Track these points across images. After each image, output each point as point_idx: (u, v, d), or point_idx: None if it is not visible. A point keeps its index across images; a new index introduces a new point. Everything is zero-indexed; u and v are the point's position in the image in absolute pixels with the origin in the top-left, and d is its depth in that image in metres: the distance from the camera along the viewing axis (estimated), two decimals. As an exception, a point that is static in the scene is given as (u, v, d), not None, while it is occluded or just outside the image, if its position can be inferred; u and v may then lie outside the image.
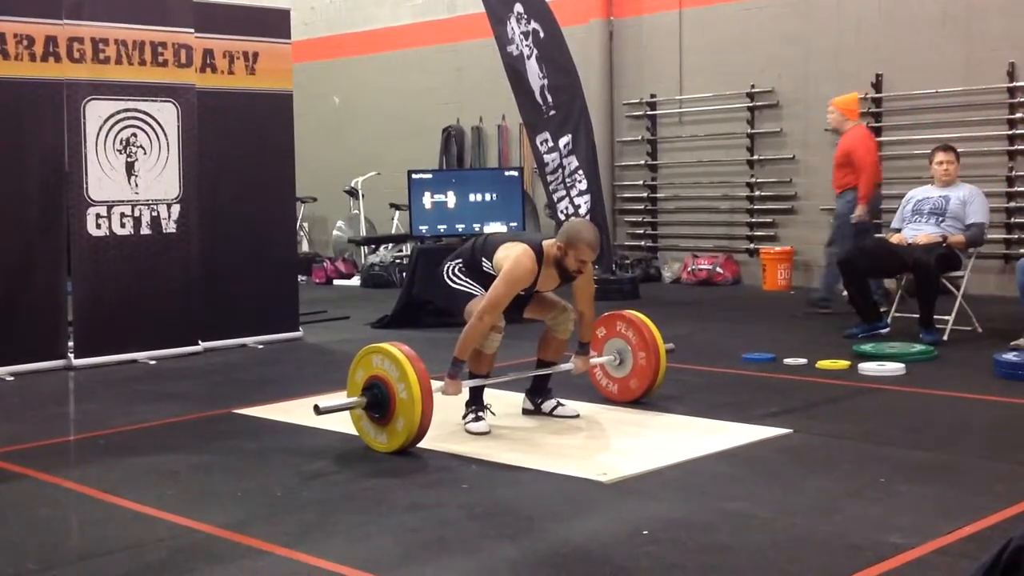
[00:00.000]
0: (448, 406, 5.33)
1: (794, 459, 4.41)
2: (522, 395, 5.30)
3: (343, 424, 5.11)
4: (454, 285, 4.97)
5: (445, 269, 5.05)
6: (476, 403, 4.97)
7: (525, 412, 5.23)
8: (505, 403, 5.26)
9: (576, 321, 5.07)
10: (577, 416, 5.16)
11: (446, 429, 4.97)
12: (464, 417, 4.96)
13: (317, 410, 4.56)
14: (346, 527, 3.71)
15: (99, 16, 6.77)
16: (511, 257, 4.77)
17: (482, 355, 4.88)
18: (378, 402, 4.55)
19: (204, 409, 5.59)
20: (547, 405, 5.21)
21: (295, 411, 5.46)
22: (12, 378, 6.44)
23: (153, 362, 6.93)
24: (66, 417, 5.61)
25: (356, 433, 4.94)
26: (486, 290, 4.82)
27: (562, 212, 9.73)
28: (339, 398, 4.77)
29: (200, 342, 7.26)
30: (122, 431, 5.16)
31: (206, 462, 4.59)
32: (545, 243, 4.90)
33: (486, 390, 5.04)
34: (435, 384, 4.62)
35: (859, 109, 8.60)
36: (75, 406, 5.91)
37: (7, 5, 6.45)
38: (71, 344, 6.80)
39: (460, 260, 5.04)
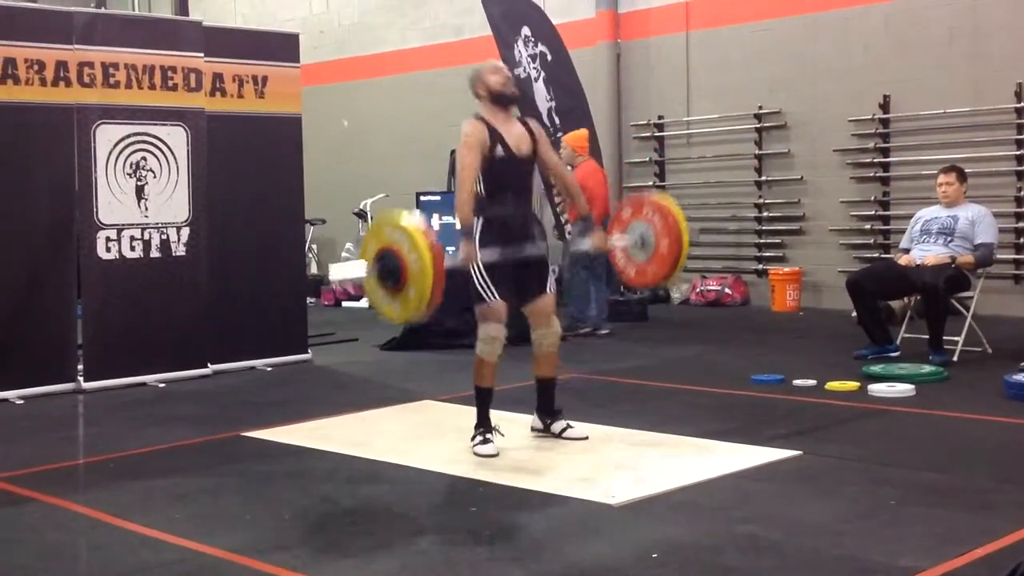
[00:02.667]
0: (455, 428, 5.34)
1: (803, 481, 4.40)
2: (529, 417, 5.28)
3: (351, 447, 5.12)
4: (476, 280, 4.90)
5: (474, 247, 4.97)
6: (484, 425, 4.96)
7: (534, 430, 5.22)
8: (513, 425, 5.25)
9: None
10: (586, 439, 5.15)
11: (454, 452, 4.97)
12: (472, 439, 4.94)
13: (330, 278, 4.54)
14: (354, 550, 3.70)
15: (109, 41, 6.82)
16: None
17: (485, 364, 4.88)
18: (389, 271, 4.56)
19: (213, 432, 5.59)
20: (556, 426, 5.19)
21: (304, 434, 5.46)
22: (22, 401, 6.45)
23: (162, 385, 6.94)
24: (75, 440, 5.61)
25: (365, 456, 4.95)
26: (504, 281, 4.84)
27: (569, 233, 9.74)
28: (352, 267, 4.76)
29: (209, 365, 7.26)
30: (131, 454, 5.16)
31: (215, 485, 4.59)
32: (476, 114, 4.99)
33: (493, 413, 5.02)
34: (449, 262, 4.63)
35: (587, 145, 8.99)
36: (84, 429, 5.91)
37: (18, 30, 6.49)
38: (80, 367, 6.81)
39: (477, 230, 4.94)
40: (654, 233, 5.23)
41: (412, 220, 4.57)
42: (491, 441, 4.90)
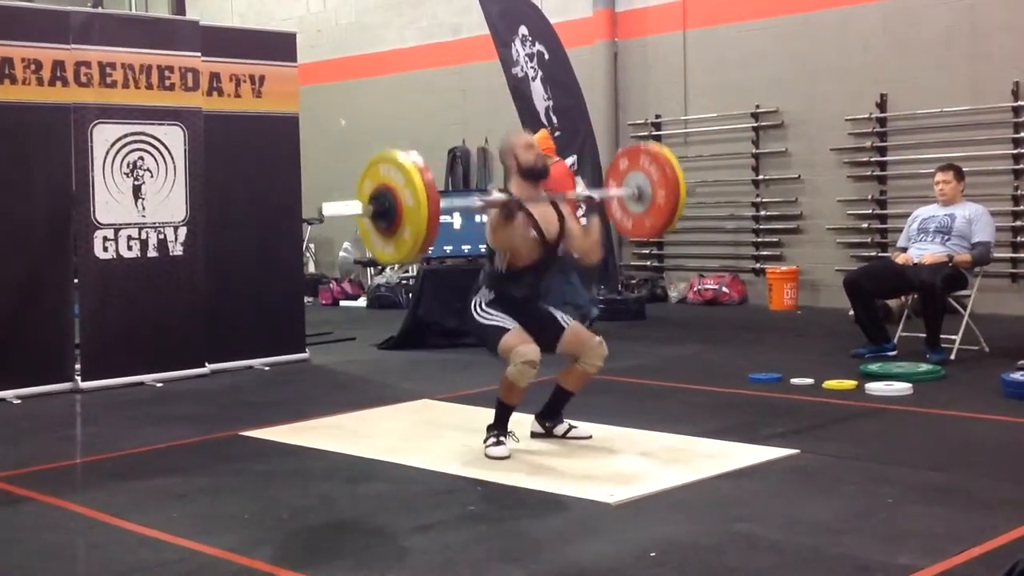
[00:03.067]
0: (454, 427, 5.34)
1: (801, 480, 4.40)
2: (529, 416, 5.26)
3: (350, 446, 5.12)
4: (484, 320, 4.84)
5: (473, 305, 4.92)
6: (500, 428, 4.91)
7: (534, 435, 5.19)
8: (514, 424, 5.24)
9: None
10: (590, 437, 5.13)
11: (452, 451, 4.97)
12: (486, 440, 4.90)
13: (321, 213, 4.43)
14: (353, 549, 3.71)
15: (106, 40, 6.81)
16: None
17: (515, 388, 4.77)
18: (384, 211, 4.40)
19: (211, 431, 5.59)
20: (559, 429, 5.17)
21: (302, 433, 5.46)
22: (19, 401, 6.45)
23: (160, 385, 6.94)
24: (73, 440, 5.61)
25: (364, 455, 4.95)
26: (514, 318, 4.78)
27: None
28: (345, 203, 4.59)
29: (207, 364, 7.26)
30: (129, 454, 5.16)
31: (213, 485, 4.59)
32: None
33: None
34: (454, 200, 4.53)
35: (554, 145, 8.89)
36: (82, 429, 5.91)
37: (15, 30, 6.49)
38: (78, 367, 6.81)
39: (481, 286, 4.94)
40: (651, 184, 5.18)
41: (408, 156, 4.40)
42: (504, 443, 4.86)
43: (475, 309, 4.88)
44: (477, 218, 8.69)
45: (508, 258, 4.83)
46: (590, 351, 4.93)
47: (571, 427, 5.17)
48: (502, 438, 4.88)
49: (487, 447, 4.87)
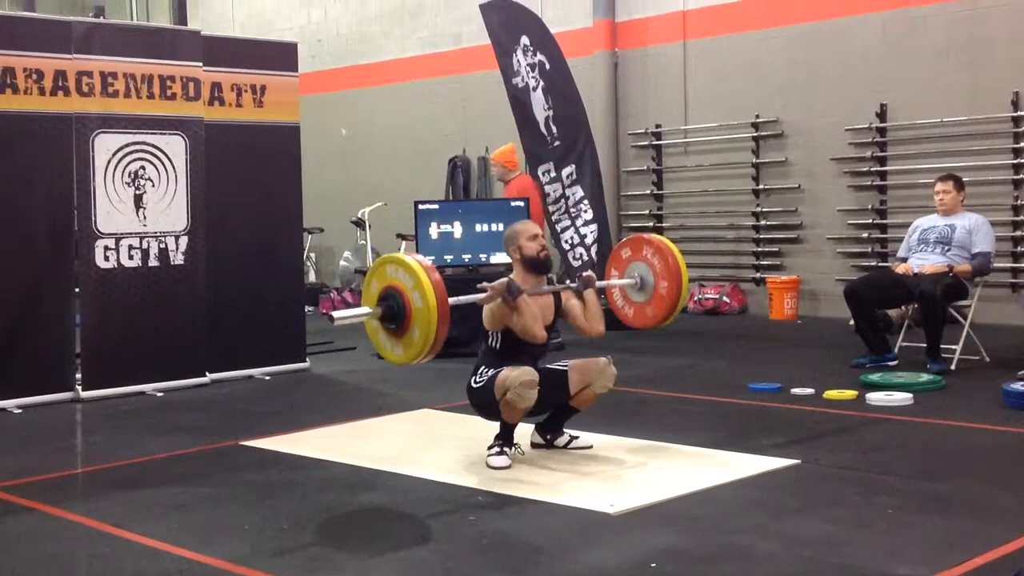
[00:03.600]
0: (453, 437, 5.33)
1: (801, 490, 4.40)
2: (529, 427, 5.26)
3: (350, 456, 5.12)
4: (481, 386, 4.85)
5: (469, 383, 4.93)
6: (505, 438, 4.90)
7: (534, 446, 5.18)
8: (515, 435, 5.24)
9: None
10: (591, 447, 5.13)
11: (452, 460, 4.97)
12: (489, 448, 4.90)
13: (331, 319, 4.45)
14: (353, 560, 3.71)
15: (108, 50, 6.83)
16: None
17: (516, 409, 4.77)
18: (393, 313, 4.42)
19: (211, 441, 5.59)
20: (560, 440, 5.16)
21: (302, 443, 5.46)
22: (20, 410, 6.45)
23: (160, 394, 6.94)
24: (73, 450, 5.61)
25: (364, 465, 4.94)
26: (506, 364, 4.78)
27: (566, 242, 9.76)
28: (354, 309, 4.63)
29: (207, 374, 7.27)
30: (129, 464, 5.16)
31: (213, 495, 4.59)
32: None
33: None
34: (460, 299, 4.57)
35: (516, 159, 9.07)
36: (82, 439, 5.92)
37: (17, 40, 6.51)
38: (78, 376, 6.81)
39: (480, 367, 4.93)
40: (653, 275, 5.25)
41: (415, 257, 4.45)
42: (506, 455, 4.86)
43: (472, 383, 4.90)
44: (478, 227, 8.72)
45: (503, 340, 4.87)
46: (600, 375, 4.95)
47: (572, 439, 5.16)
48: (505, 448, 4.88)
49: (489, 456, 4.87)
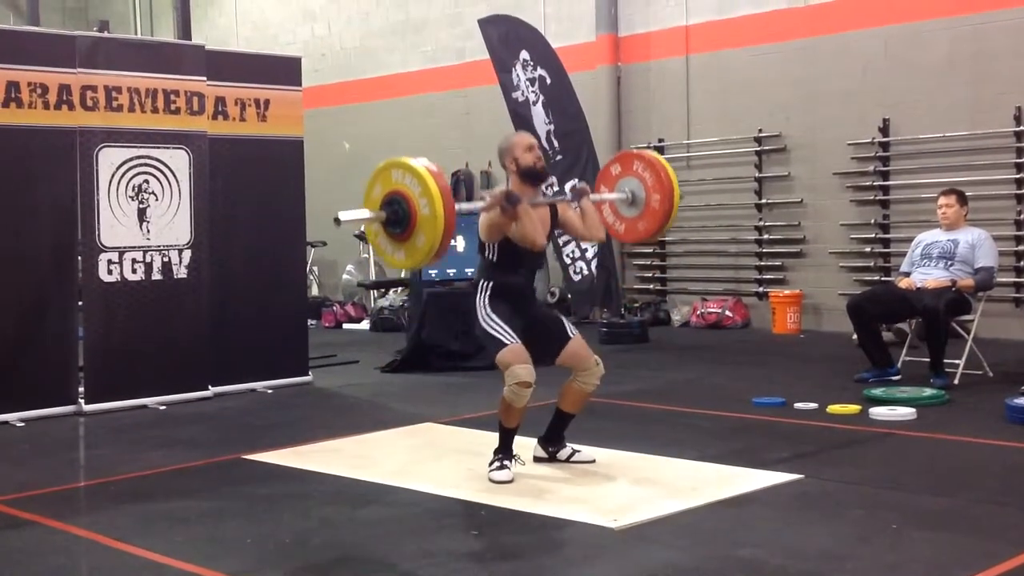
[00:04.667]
0: (456, 451, 5.33)
1: (805, 505, 4.39)
2: (532, 439, 5.25)
3: (353, 470, 5.11)
4: (488, 327, 4.82)
5: (478, 305, 4.88)
6: (504, 451, 4.89)
7: (537, 460, 5.17)
8: (518, 448, 5.23)
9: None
10: (593, 461, 5.12)
11: (455, 474, 4.96)
12: (490, 464, 4.88)
13: (337, 221, 4.40)
14: (356, 574, 3.70)
15: (112, 65, 6.85)
16: None
17: (512, 409, 4.78)
18: (398, 218, 4.38)
19: (214, 455, 5.59)
20: (563, 453, 5.16)
21: (305, 456, 5.46)
22: (22, 424, 6.45)
23: (163, 407, 6.94)
24: (76, 463, 5.61)
25: (367, 479, 4.94)
26: (517, 323, 4.79)
27: (568, 256, 9.78)
28: (359, 211, 4.55)
29: (210, 387, 7.27)
30: (132, 477, 5.16)
31: (216, 508, 4.59)
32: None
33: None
34: (462, 205, 4.52)
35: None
36: (85, 452, 5.91)
37: (21, 54, 6.53)
38: (81, 390, 6.81)
39: (479, 279, 4.93)
40: (645, 189, 5.20)
41: (423, 163, 4.38)
42: (508, 468, 4.85)
43: (480, 311, 4.86)
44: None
45: (499, 250, 4.87)
46: (588, 370, 4.97)
47: (574, 451, 5.16)
48: (506, 462, 4.87)
49: (491, 471, 4.86)
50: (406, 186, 4.37)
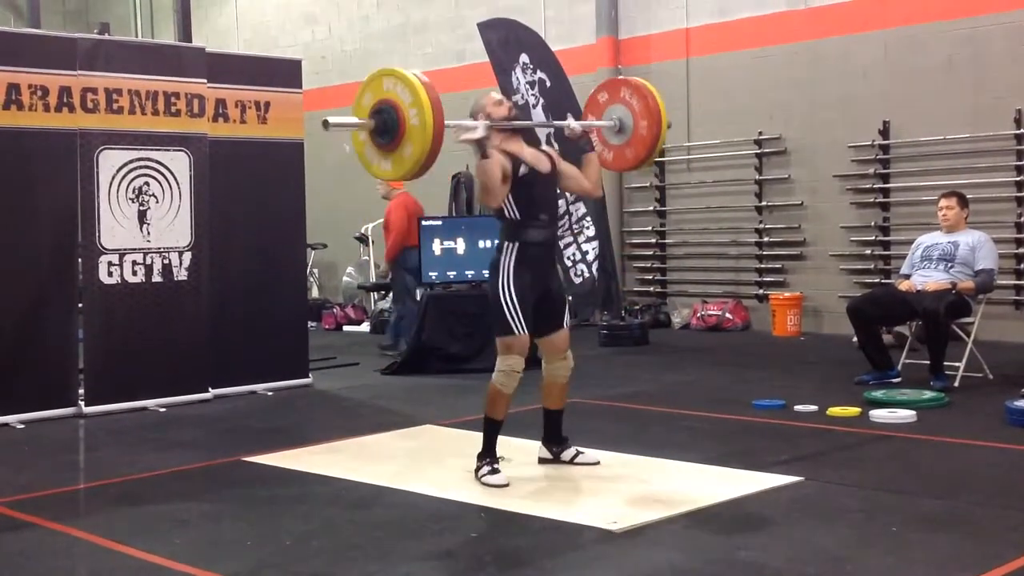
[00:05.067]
0: (456, 453, 5.33)
1: (805, 508, 4.39)
2: (537, 442, 5.26)
3: (353, 472, 5.11)
4: (504, 307, 4.80)
5: (501, 270, 4.86)
6: (490, 454, 4.89)
7: (542, 461, 5.18)
8: (516, 451, 5.24)
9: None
10: (598, 463, 5.12)
11: (455, 477, 4.96)
12: (478, 470, 4.87)
13: (326, 124, 4.38)
14: (355, 576, 3.70)
15: (113, 67, 6.85)
16: None
17: (500, 396, 4.81)
18: (387, 128, 4.35)
19: (214, 457, 5.59)
20: (567, 454, 5.16)
21: (304, 459, 5.46)
22: (22, 426, 6.45)
23: (163, 410, 6.94)
24: (76, 465, 5.60)
25: (367, 481, 4.94)
26: (531, 294, 4.81)
27: (569, 258, 9.78)
28: (348, 117, 4.55)
29: (210, 389, 7.27)
30: (132, 479, 5.16)
31: (215, 510, 4.59)
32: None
33: (499, 439, 4.97)
34: (452, 121, 4.45)
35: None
36: (85, 454, 5.91)
37: (22, 56, 6.53)
38: (81, 392, 6.81)
39: (503, 242, 4.89)
40: (632, 115, 5.19)
41: (416, 73, 4.35)
42: (499, 471, 4.84)
43: (502, 282, 4.83)
44: (481, 243, 8.73)
45: (516, 202, 4.83)
46: (561, 362, 5.04)
47: (578, 452, 5.16)
48: (496, 464, 4.86)
49: (482, 476, 4.83)
50: (396, 95, 4.33)
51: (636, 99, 5.19)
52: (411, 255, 9.11)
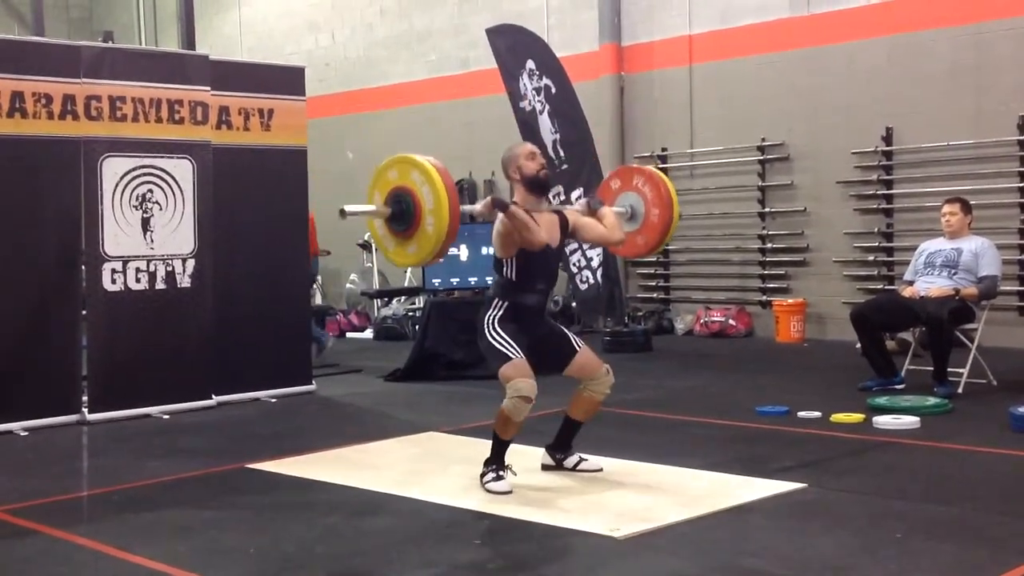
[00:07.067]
0: (460, 460, 5.33)
1: (809, 514, 4.38)
2: (540, 449, 5.26)
3: (356, 479, 5.11)
4: (492, 341, 4.81)
5: (486, 320, 4.86)
6: (497, 461, 4.87)
7: (545, 468, 5.17)
8: (521, 457, 5.23)
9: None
10: (600, 470, 5.11)
11: (458, 484, 4.96)
12: (483, 476, 4.86)
13: (343, 213, 4.44)
14: (358, 584, 3.70)
15: (117, 75, 6.87)
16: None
17: (509, 422, 4.75)
18: (402, 213, 4.47)
19: (217, 464, 5.59)
20: (570, 461, 5.16)
21: (308, 466, 5.46)
22: (26, 433, 6.46)
23: (167, 417, 6.94)
24: (79, 472, 5.61)
25: (370, 488, 4.93)
26: (523, 339, 4.78)
27: (574, 265, 9.78)
28: (365, 205, 4.67)
29: (214, 396, 7.27)
30: (135, 486, 5.16)
31: (219, 518, 4.59)
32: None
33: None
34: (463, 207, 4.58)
35: None
36: (88, 461, 5.91)
37: (26, 64, 6.54)
38: (85, 399, 6.82)
39: (493, 297, 4.90)
40: (644, 203, 5.27)
41: (423, 157, 4.44)
42: (504, 478, 4.82)
43: (487, 325, 4.85)
44: (484, 250, 8.73)
45: (517, 266, 4.85)
46: (597, 379, 4.98)
47: (581, 459, 5.15)
48: (501, 472, 4.85)
49: (486, 483, 4.82)
50: (409, 181, 4.42)
51: (648, 187, 5.32)
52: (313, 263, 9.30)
